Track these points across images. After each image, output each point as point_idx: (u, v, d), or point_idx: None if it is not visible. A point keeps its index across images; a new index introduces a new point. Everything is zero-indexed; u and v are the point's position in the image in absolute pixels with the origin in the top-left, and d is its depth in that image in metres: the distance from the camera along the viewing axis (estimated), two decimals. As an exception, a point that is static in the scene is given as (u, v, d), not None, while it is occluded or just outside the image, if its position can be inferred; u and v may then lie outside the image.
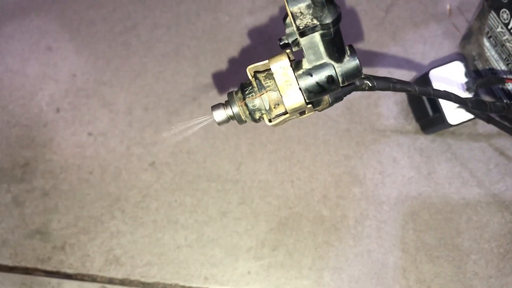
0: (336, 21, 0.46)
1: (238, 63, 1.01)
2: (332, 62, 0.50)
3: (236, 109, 0.52)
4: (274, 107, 0.51)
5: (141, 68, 1.01)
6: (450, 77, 0.86)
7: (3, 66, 1.02)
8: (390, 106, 0.97)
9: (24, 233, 0.90)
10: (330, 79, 0.50)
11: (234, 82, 0.99)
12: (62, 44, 1.04)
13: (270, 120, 0.52)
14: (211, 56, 1.02)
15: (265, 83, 0.51)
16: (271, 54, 0.51)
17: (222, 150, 0.95)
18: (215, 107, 0.53)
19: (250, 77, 0.52)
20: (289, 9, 0.47)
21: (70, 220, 0.90)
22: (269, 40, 1.01)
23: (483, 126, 0.95)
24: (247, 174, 0.93)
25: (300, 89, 0.49)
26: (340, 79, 0.50)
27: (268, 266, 0.86)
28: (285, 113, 0.51)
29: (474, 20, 0.86)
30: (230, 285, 0.85)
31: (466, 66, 0.85)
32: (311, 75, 0.50)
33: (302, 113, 0.53)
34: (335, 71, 0.50)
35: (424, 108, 0.90)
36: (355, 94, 0.99)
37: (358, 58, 0.50)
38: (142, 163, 0.94)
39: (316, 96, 0.51)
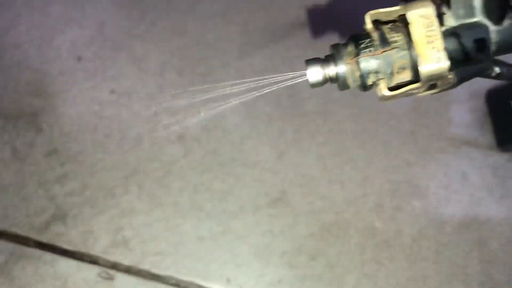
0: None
1: (292, 38, 0.87)
2: (488, 23, 0.36)
3: (343, 68, 0.38)
4: (398, 71, 0.37)
5: (181, 26, 0.87)
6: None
7: (25, 1, 0.88)
8: (463, 113, 0.83)
9: (19, 194, 0.76)
10: (481, 45, 0.36)
11: (286, 60, 0.85)
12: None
13: (389, 89, 0.37)
14: (262, 26, 0.88)
15: (391, 37, 0.37)
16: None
17: (264, 133, 0.81)
18: (311, 62, 0.39)
19: (369, 26, 0.38)
20: None
21: (75, 187, 0.76)
22: (337, 19, 0.87)
23: None
24: (290, 165, 0.79)
25: (444, 50, 0.35)
26: (493, 47, 0.36)
27: (303, 277, 0.72)
28: (412, 81, 0.37)
29: None
30: (256, 293, 0.71)
31: None
32: (457, 36, 0.36)
33: (433, 86, 0.38)
34: (490, 36, 0.36)
35: (508, 108, 0.76)
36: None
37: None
38: (169, 134, 0.80)
39: (456, 66, 0.36)
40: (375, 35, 0.37)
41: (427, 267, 0.73)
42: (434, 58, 0.35)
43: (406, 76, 0.37)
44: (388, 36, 0.37)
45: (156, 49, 0.86)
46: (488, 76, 0.43)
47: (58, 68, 0.83)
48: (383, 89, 0.37)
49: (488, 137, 0.82)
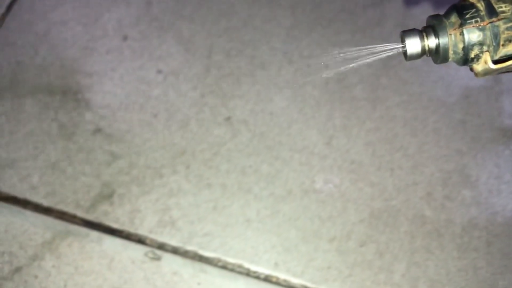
0: None
1: (340, 23, 0.86)
2: None
3: (445, 38, 0.37)
4: (503, 44, 0.36)
5: (228, 8, 0.86)
6: None
7: (70, -24, 0.87)
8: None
9: (66, 172, 0.75)
10: None
11: (335, 44, 0.83)
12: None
13: (494, 62, 0.36)
14: (310, 10, 0.87)
15: (498, 7, 0.36)
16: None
17: (311, 118, 0.80)
18: (409, 33, 0.38)
19: (473, -6, 0.36)
20: None
21: (123, 166, 0.75)
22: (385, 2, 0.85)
23: None
24: (338, 150, 0.77)
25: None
26: None
27: (353, 263, 0.71)
28: (518, 55, 0.36)
29: None
30: (305, 279, 0.70)
31: None
32: None
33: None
34: None
35: None
36: (476, 82, 0.83)
37: None
38: (216, 116, 0.79)
39: None
40: (481, 5, 0.36)
41: (478, 258, 0.72)
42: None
43: (514, 47, 0.36)
44: (495, 5, 0.36)
45: (203, 31, 0.85)
46: None
47: (104, 46, 0.83)
48: (488, 62, 0.36)
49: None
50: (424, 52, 0.38)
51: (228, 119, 0.79)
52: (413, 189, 0.75)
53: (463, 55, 0.37)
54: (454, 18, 0.37)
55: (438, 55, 0.38)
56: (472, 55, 0.37)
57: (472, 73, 0.39)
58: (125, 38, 0.84)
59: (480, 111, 0.81)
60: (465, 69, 0.40)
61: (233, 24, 0.85)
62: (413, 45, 0.38)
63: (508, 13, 0.35)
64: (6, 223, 0.71)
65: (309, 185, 0.75)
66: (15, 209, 0.72)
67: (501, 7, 0.36)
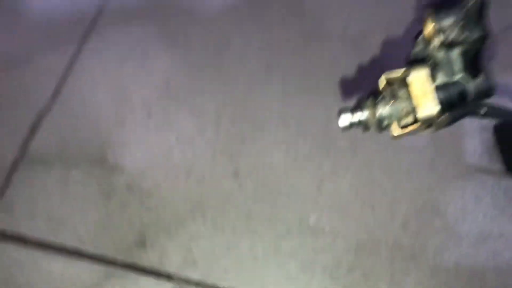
0: (485, 37, 0.48)
1: (324, 90, 1.04)
2: (468, 79, 0.52)
3: (365, 115, 0.54)
4: (404, 116, 0.53)
5: (231, 80, 1.05)
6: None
7: (102, 65, 1.08)
8: (476, 145, 0.97)
9: (107, 224, 0.93)
10: (462, 95, 0.52)
11: (320, 105, 1.01)
12: (158, 52, 1.09)
13: (398, 129, 0.53)
14: (299, 77, 1.05)
15: (398, 92, 0.53)
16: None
17: (304, 167, 0.96)
18: (342, 111, 0.55)
19: (382, 84, 0.54)
20: (436, 25, 0.49)
21: (152, 218, 0.93)
22: (361, 73, 1.03)
23: None
24: (328, 192, 0.94)
25: (436, 100, 0.51)
26: (473, 96, 0.52)
27: (344, 286, 0.86)
28: (414, 123, 0.53)
29: None
30: (304, 301, 0.85)
31: None
32: (445, 89, 0.52)
33: (429, 125, 0.54)
34: (468, 88, 0.51)
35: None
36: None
37: (494, 79, 0.52)
38: (226, 171, 0.96)
39: (445, 110, 0.52)
40: (387, 91, 0.53)
41: (449, 277, 0.86)
42: (427, 107, 0.51)
43: (410, 119, 0.53)
44: (397, 91, 0.53)
45: (212, 101, 1.04)
46: (477, 115, 0.59)
47: (133, 122, 1.02)
48: (394, 129, 0.53)
49: (498, 166, 0.95)
50: (353, 124, 0.55)
51: (235, 174, 0.96)
52: (391, 221, 0.91)
53: (378, 125, 0.54)
54: (371, 101, 0.54)
55: (362, 126, 0.55)
56: (384, 125, 0.54)
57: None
58: (149, 114, 1.03)
59: (447, 152, 0.97)
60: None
61: (237, 94, 1.04)
62: (344, 119, 0.55)
63: (404, 96, 0.53)
64: (61, 269, 0.89)
65: (304, 223, 0.91)
66: (68, 257, 0.90)
67: (399, 92, 0.53)
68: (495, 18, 0.61)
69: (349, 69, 1.03)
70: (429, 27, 0.50)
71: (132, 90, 1.05)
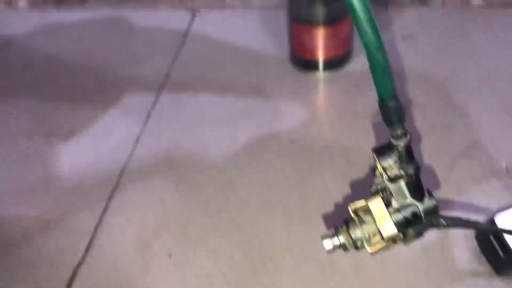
0: (417, 171, 0.63)
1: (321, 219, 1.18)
2: (415, 202, 0.66)
3: (342, 239, 0.68)
4: (372, 237, 0.67)
5: (239, 218, 1.20)
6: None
7: (126, 219, 1.24)
8: (463, 252, 1.08)
9: None
10: (415, 215, 0.66)
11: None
12: (175, 201, 1.26)
13: (370, 247, 0.67)
14: (298, 209, 1.20)
15: (364, 218, 0.67)
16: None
17: (313, 291, 1.07)
18: (323, 237, 0.69)
19: (351, 213, 0.69)
20: (380, 165, 0.65)
21: None
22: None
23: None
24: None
25: (393, 222, 0.65)
26: (422, 215, 0.66)
27: None
28: (382, 241, 0.66)
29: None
30: None
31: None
32: (400, 212, 0.66)
33: (394, 241, 0.68)
34: (418, 209, 0.66)
35: (495, 250, 1.00)
36: (431, 240, 1.11)
37: (435, 199, 0.66)
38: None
39: (404, 227, 0.66)
40: (355, 218, 0.68)
41: None
42: (388, 228, 0.65)
43: (378, 238, 0.67)
44: (363, 217, 0.67)
45: (225, 238, 1.17)
46: (438, 228, 0.72)
47: (154, 265, 1.15)
48: (367, 248, 0.66)
49: (488, 267, 1.05)
50: (335, 247, 0.69)
51: None
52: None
53: (354, 246, 0.68)
54: (344, 226, 0.68)
55: (342, 247, 0.68)
56: (358, 245, 0.67)
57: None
58: (170, 256, 1.16)
59: (439, 262, 1.07)
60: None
61: (245, 230, 1.18)
62: (327, 243, 0.69)
63: (369, 220, 0.67)
64: None
65: None
66: None
67: (366, 217, 0.68)
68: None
69: (337, 197, 1.18)
70: (378, 165, 0.66)
71: (154, 237, 1.19)
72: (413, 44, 1.63)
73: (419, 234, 0.70)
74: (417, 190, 0.65)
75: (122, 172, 1.35)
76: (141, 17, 1.87)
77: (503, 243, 0.99)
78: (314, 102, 1.52)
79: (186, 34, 1.78)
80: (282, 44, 1.63)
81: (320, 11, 1.31)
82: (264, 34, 1.72)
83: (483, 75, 1.50)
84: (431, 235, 1.12)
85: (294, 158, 1.31)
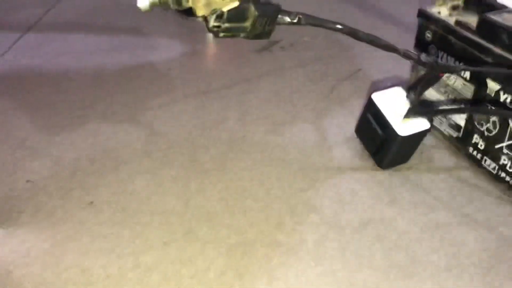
0: None
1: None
2: None
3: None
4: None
5: None
6: (392, 99, 0.88)
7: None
8: (344, 152, 0.97)
9: None
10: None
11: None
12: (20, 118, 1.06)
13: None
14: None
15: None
16: None
17: (169, 189, 0.89)
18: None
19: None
20: None
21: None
22: None
23: (440, 161, 0.94)
24: (195, 208, 0.85)
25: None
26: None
27: (215, 289, 0.72)
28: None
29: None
30: (169, 313, 0.69)
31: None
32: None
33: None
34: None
35: (373, 130, 0.89)
36: (306, 141, 0.99)
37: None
38: (81, 202, 0.86)
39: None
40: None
41: (335, 263, 0.75)
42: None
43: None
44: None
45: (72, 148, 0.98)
46: (292, 22, 0.60)
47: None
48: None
49: (371, 162, 0.93)
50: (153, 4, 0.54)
51: (91, 203, 0.86)
52: (265, 222, 0.82)
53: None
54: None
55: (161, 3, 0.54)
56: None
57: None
58: None
59: (315, 161, 0.94)
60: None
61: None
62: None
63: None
64: None
65: (168, 238, 0.80)
66: None
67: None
68: None
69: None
70: None
71: None
72: None
73: (263, 16, 0.57)
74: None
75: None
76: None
77: (380, 119, 0.88)
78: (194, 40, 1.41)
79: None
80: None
81: None
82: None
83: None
84: (310, 137, 1.00)
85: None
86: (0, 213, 0.84)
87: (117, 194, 0.88)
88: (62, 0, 1.60)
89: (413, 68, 0.99)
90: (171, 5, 0.54)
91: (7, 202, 0.86)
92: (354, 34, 0.65)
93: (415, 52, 0.73)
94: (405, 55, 0.70)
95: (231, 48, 1.34)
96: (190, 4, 0.53)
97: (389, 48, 0.69)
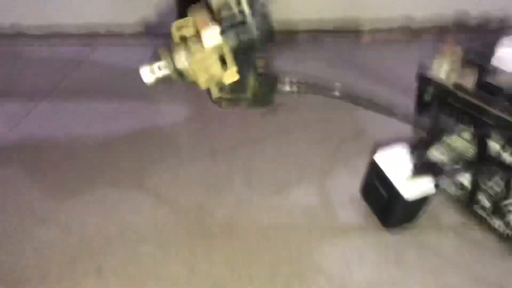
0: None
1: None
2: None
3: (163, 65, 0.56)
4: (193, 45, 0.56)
5: None
6: (395, 159, 0.89)
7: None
8: (349, 211, 0.97)
9: None
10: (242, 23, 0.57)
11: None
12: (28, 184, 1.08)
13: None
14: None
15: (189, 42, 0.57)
16: None
17: (175, 255, 0.89)
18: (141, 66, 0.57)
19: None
20: None
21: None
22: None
23: (447, 219, 0.93)
24: (201, 274, 0.85)
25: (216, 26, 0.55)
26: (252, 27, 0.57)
27: None
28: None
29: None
30: None
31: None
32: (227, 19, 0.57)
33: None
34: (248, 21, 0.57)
35: (377, 192, 0.90)
36: (311, 202, 0.99)
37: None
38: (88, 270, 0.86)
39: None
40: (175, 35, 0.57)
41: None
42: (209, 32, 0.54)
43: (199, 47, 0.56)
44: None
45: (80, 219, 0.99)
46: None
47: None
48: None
49: (376, 221, 0.93)
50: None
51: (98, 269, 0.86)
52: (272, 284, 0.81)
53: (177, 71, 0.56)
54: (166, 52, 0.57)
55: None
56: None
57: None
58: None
59: (321, 222, 0.94)
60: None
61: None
62: (145, 73, 0.57)
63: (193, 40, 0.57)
64: None
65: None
66: None
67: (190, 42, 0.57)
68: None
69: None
70: None
71: None
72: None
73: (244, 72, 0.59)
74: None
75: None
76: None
77: (385, 182, 0.88)
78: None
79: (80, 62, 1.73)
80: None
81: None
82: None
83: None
84: (315, 198, 1.01)
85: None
86: (7, 281, 0.84)
87: (124, 261, 0.88)
88: (78, 69, 1.67)
89: (415, 128, 1.00)
90: (175, 81, 0.56)
91: (15, 270, 0.87)
92: (354, 100, 0.68)
93: (413, 115, 0.74)
94: (404, 119, 0.71)
95: (236, 110, 1.37)
96: (192, 79, 0.55)
97: (388, 112, 0.70)
